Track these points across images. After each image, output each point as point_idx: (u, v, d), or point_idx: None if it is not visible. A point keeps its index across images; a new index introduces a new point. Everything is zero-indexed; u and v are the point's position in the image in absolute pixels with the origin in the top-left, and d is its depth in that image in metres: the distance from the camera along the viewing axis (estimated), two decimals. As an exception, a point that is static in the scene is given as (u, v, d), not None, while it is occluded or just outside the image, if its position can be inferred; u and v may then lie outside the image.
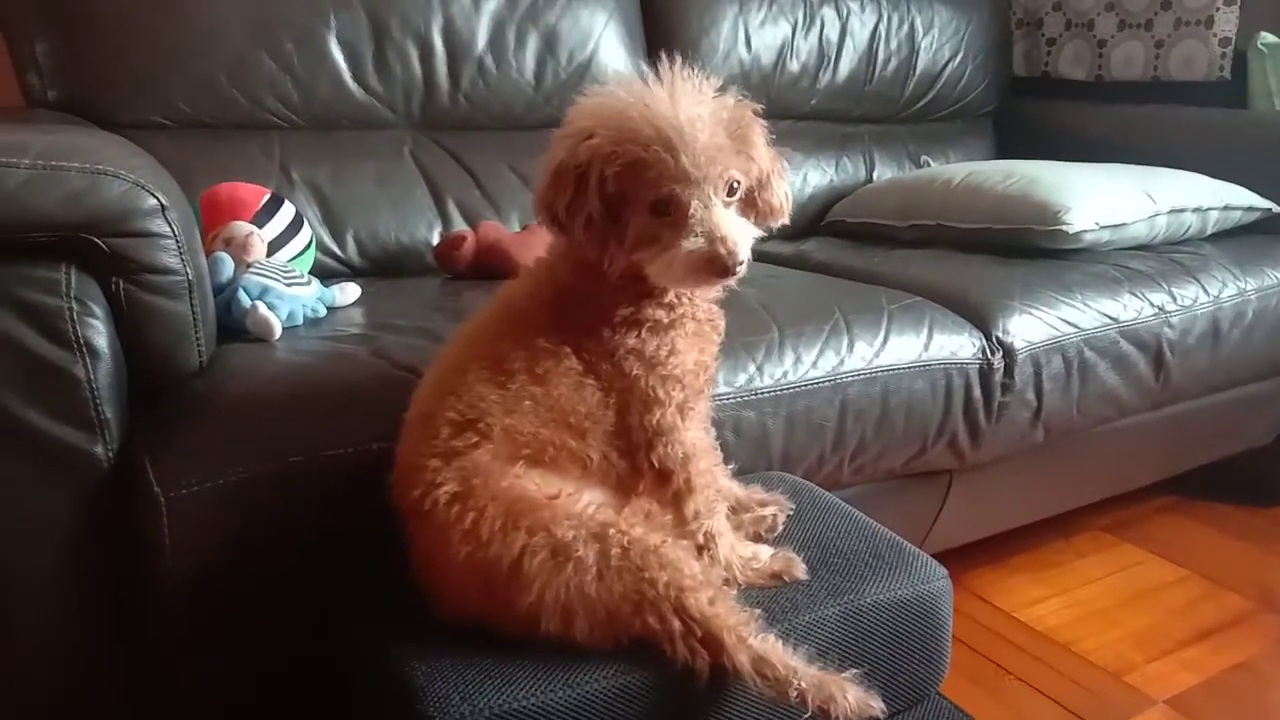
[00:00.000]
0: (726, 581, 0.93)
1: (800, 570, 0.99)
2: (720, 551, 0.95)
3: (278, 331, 1.24)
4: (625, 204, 0.87)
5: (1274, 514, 2.12)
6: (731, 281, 0.90)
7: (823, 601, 0.96)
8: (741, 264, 0.86)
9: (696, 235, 0.85)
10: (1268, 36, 2.26)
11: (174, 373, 1.08)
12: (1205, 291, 1.75)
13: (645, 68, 0.90)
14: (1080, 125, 2.45)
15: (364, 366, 1.16)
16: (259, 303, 1.23)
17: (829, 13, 2.33)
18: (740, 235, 0.87)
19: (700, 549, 0.94)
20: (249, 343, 1.23)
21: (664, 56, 0.88)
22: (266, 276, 1.27)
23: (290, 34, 1.70)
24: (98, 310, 0.98)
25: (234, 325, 1.24)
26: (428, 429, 0.89)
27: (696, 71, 0.89)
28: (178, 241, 1.01)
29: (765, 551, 1.01)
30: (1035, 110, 2.62)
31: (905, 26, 2.43)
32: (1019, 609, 1.73)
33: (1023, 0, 2.75)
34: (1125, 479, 1.97)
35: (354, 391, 1.10)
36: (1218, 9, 2.35)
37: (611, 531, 0.84)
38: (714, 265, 0.86)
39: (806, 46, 2.29)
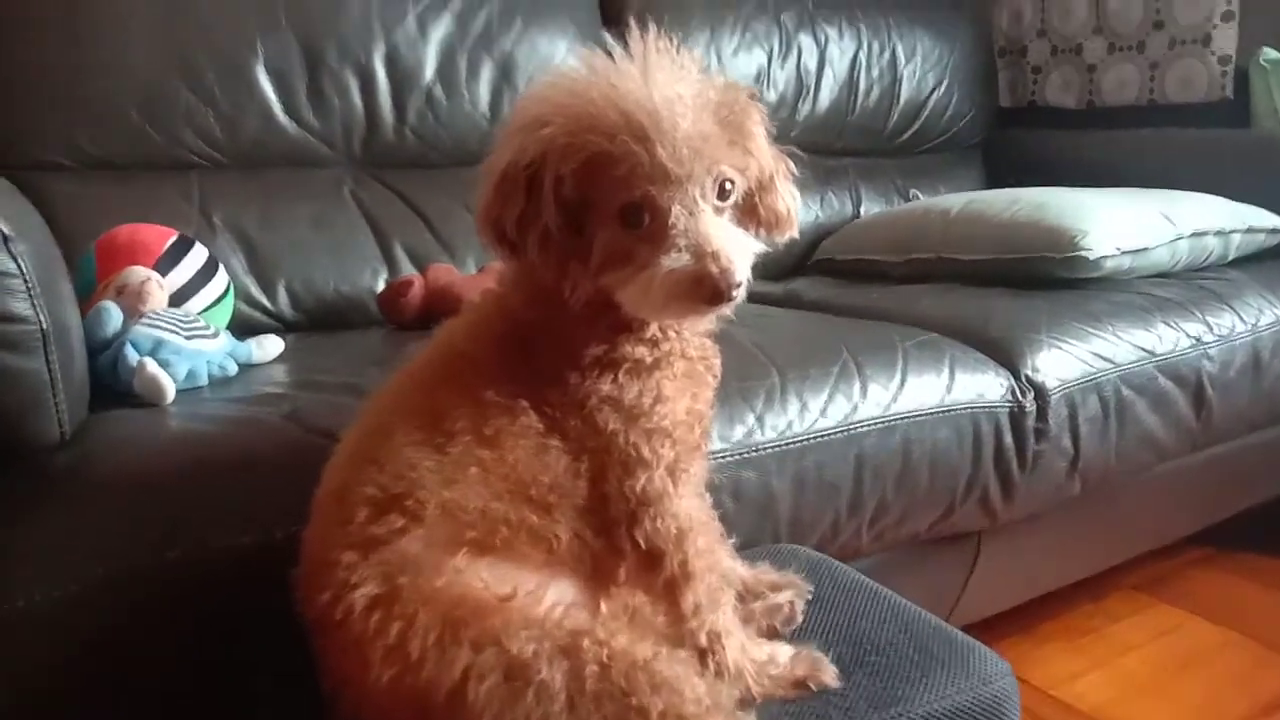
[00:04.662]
0: (741, 701, 0.75)
1: (829, 675, 0.82)
2: (729, 656, 0.78)
3: (170, 393, 1.07)
4: (589, 212, 0.72)
5: (1317, 564, 1.98)
6: (727, 309, 0.74)
7: (863, 716, 0.79)
8: (739, 286, 0.71)
9: (680, 250, 0.70)
10: (1270, 52, 2.20)
11: (24, 446, 0.90)
12: (1241, 319, 1.64)
13: (612, 39, 0.73)
14: (1076, 152, 2.37)
15: (272, 433, 0.99)
16: (147, 360, 1.06)
17: (806, 40, 2.24)
18: (736, 249, 0.72)
19: (703, 655, 0.77)
20: (137, 408, 1.07)
21: (634, 23, 0.72)
22: (160, 328, 1.09)
23: (211, 62, 1.57)
24: (-79, 369, 0.81)
25: (121, 387, 1.07)
26: (341, 511, 0.72)
27: (676, 44, 0.73)
28: (27, 282, 0.84)
29: (784, 651, 0.84)
30: (1026, 141, 2.54)
31: (886, 54, 2.36)
32: (1056, 686, 1.57)
33: (1004, 29, 2.70)
34: (1162, 532, 1.83)
35: (256, 465, 0.92)
36: (1215, 26, 2.28)
37: (585, 643, 0.67)
38: (703, 288, 0.70)
39: (784, 75, 2.21)
